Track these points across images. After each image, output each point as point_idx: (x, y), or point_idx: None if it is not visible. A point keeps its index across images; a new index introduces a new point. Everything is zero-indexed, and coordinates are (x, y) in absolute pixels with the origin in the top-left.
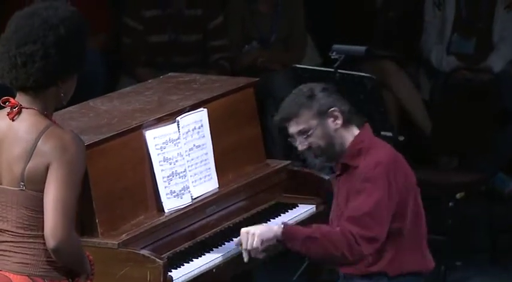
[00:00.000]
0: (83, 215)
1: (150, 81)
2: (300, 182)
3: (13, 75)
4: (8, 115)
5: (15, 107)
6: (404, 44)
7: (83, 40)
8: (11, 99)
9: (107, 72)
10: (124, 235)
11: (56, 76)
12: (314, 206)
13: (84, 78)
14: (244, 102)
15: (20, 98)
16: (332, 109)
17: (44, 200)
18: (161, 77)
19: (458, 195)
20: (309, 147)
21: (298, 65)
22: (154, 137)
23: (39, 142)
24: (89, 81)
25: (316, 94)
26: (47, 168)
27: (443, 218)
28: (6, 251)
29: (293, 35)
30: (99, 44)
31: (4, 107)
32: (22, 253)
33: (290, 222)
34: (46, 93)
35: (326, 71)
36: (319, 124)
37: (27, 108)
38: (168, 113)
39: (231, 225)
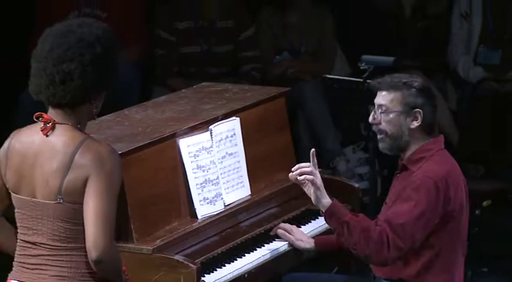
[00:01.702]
0: (118, 221)
1: (183, 90)
2: (330, 189)
3: (50, 92)
4: (42, 131)
5: (48, 123)
6: (432, 54)
7: (115, 57)
8: (44, 115)
9: (141, 83)
10: (158, 241)
11: (92, 92)
12: None
13: (119, 88)
14: (275, 111)
15: (53, 113)
16: (417, 110)
17: (84, 212)
18: (194, 86)
19: (484, 203)
20: (378, 124)
21: (328, 75)
22: (188, 145)
23: (76, 155)
24: (123, 91)
25: (418, 90)
26: (85, 181)
27: (470, 225)
28: (42, 264)
29: (322, 46)
30: (133, 56)
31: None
32: (59, 266)
33: (320, 228)
34: (80, 109)
35: (355, 81)
36: (400, 113)
37: (60, 124)
38: (201, 121)
39: (263, 231)
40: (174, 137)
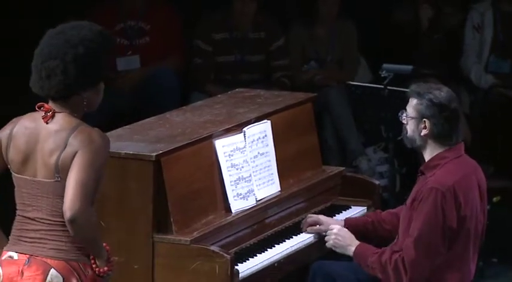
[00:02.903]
0: (159, 215)
1: (219, 96)
2: (352, 186)
3: (39, 86)
4: (43, 119)
5: (49, 112)
6: (447, 63)
7: (100, 58)
8: (45, 105)
9: (181, 89)
10: (196, 233)
11: (75, 88)
12: (365, 207)
13: (162, 94)
14: (303, 115)
15: (52, 104)
16: (424, 119)
17: (67, 181)
18: (229, 92)
19: (494, 199)
20: (405, 123)
21: (351, 82)
22: (223, 146)
23: (70, 137)
24: (166, 97)
25: (430, 101)
26: (73, 157)
27: None
28: (41, 238)
29: (346, 55)
30: (174, 64)
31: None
32: (56, 240)
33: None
34: (71, 101)
35: (376, 87)
36: (412, 119)
37: (59, 112)
38: (235, 124)
39: (291, 224)
40: (210, 138)
